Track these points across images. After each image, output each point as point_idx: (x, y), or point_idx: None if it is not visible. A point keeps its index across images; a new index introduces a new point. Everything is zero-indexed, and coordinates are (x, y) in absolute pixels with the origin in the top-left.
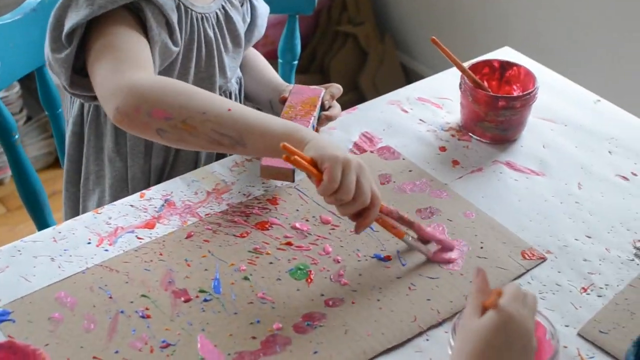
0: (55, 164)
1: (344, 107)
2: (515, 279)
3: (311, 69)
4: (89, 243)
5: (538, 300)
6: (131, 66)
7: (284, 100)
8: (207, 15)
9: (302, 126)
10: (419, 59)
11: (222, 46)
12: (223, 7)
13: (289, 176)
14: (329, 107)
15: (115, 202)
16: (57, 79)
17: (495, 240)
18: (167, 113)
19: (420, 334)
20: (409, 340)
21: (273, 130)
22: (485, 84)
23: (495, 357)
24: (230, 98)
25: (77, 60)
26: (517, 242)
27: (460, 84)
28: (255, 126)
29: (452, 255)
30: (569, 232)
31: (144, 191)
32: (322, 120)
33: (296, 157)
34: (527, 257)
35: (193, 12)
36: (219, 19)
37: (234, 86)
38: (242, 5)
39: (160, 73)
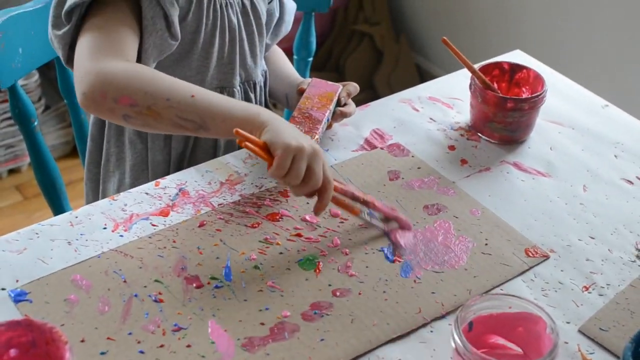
0: (73, 153)
1: (358, 105)
2: (519, 275)
3: (327, 67)
4: (105, 228)
5: (540, 297)
6: (107, 53)
7: (302, 92)
8: (231, 1)
9: (264, 110)
10: (433, 60)
11: (244, 34)
12: None
13: None
14: (345, 104)
15: (131, 190)
16: None
17: (500, 237)
18: (132, 100)
19: (424, 325)
20: (413, 331)
21: (234, 114)
22: (495, 85)
23: None
24: (255, 89)
25: (75, 37)
26: (522, 240)
27: (470, 85)
28: (217, 111)
29: (407, 238)
30: (572, 232)
31: (159, 180)
32: (337, 115)
33: (247, 142)
34: (531, 255)
35: (217, 0)
36: (244, 7)
37: (259, 77)
38: (270, 1)
39: (179, 57)
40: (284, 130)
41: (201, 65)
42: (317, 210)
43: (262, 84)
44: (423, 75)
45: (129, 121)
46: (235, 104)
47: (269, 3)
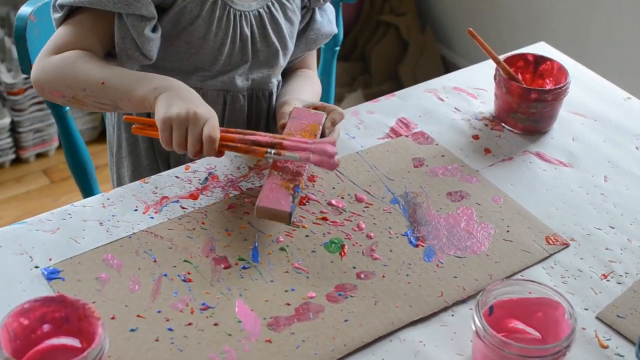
0: (100, 138)
1: (383, 95)
2: (539, 262)
3: (352, 57)
4: (136, 210)
5: (560, 284)
6: (56, 52)
7: (283, 127)
8: (246, 13)
9: (161, 82)
10: (458, 52)
11: (259, 44)
12: (267, 7)
13: (284, 218)
14: (329, 133)
15: (161, 173)
16: None
17: (521, 225)
18: (60, 92)
19: (445, 309)
20: (435, 314)
21: (135, 95)
22: (519, 76)
23: None
24: (267, 97)
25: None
26: (542, 228)
27: (494, 76)
28: (122, 94)
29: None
30: (593, 221)
31: (189, 164)
32: None
33: (136, 128)
34: (551, 243)
35: (231, 9)
36: (261, 18)
37: (275, 86)
38: (302, 9)
39: (185, 56)
40: (170, 101)
41: (205, 68)
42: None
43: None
44: (448, 67)
45: (70, 106)
46: (136, 82)
47: (302, 9)
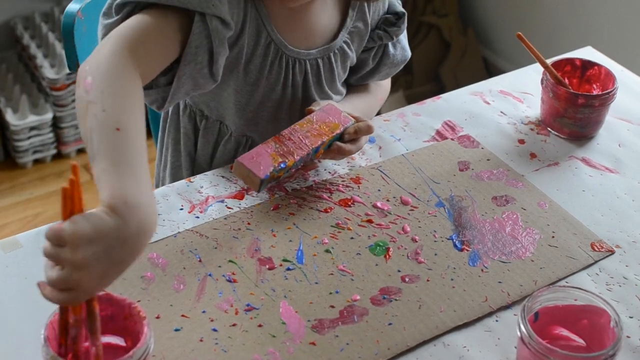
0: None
1: (424, 97)
2: (584, 269)
3: None
4: (181, 209)
5: (605, 291)
6: (124, 46)
7: (309, 113)
8: (301, 60)
9: (125, 201)
10: (500, 54)
11: (312, 92)
12: (328, 58)
13: (255, 184)
14: (349, 140)
15: (207, 172)
16: None
17: (567, 231)
18: (87, 86)
19: (490, 314)
20: (479, 319)
21: (100, 184)
22: (567, 81)
23: None
24: None
25: None
26: (588, 234)
27: (542, 80)
28: (99, 159)
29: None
30: (638, 228)
31: (233, 164)
32: (334, 151)
33: (66, 191)
34: (597, 249)
35: (284, 55)
36: (318, 66)
37: None
38: (372, 49)
39: (238, 107)
40: (103, 241)
41: (256, 116)
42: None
43: None
44: (489, 68)
45: (77, 106)
46: (125, 180)
47: (364, 51)
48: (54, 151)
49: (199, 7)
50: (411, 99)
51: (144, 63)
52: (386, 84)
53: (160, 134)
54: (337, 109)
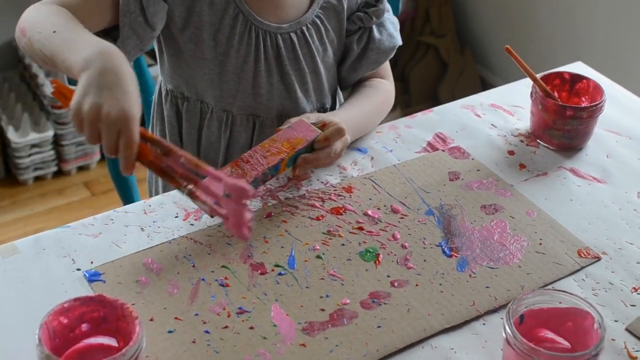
0: None
1: (422, 111)
2: (570, 274)
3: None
4: (176, 217)
5: (590, 296)
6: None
7: (277, 131)
8: (272, 33)
9: (89, 52)
10: (497, 73)
11: (288, 67)
12: (301, 31)
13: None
14: (319, 148)
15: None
16: None
17: (554, 238)
18: (24, 31)
19: (477, 317)
20: (466, 322)
21: (66, 59)
22: (556, 94)
23: None
24: None
25: None
26: (575, 242)
27: (531, 93)
28: (60, 51)
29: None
30: (625, 236)
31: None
32: (300, 163)
33: (55, 91)
34: (583, 256)
35: (253, 27)
36: (292, 41)
37: (307, 111)
38: (358, 30)
39: (213, 76)
40: (88, 86)
41: (233, 88)
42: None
43: None
44: (486, 87)
45: (25, 51)
46: (73, 46)
47: (347, 36)
48: (54, 168)
49: None
50: None
51: (76, 13)
52: (389, 88)
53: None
54: (305, 123)
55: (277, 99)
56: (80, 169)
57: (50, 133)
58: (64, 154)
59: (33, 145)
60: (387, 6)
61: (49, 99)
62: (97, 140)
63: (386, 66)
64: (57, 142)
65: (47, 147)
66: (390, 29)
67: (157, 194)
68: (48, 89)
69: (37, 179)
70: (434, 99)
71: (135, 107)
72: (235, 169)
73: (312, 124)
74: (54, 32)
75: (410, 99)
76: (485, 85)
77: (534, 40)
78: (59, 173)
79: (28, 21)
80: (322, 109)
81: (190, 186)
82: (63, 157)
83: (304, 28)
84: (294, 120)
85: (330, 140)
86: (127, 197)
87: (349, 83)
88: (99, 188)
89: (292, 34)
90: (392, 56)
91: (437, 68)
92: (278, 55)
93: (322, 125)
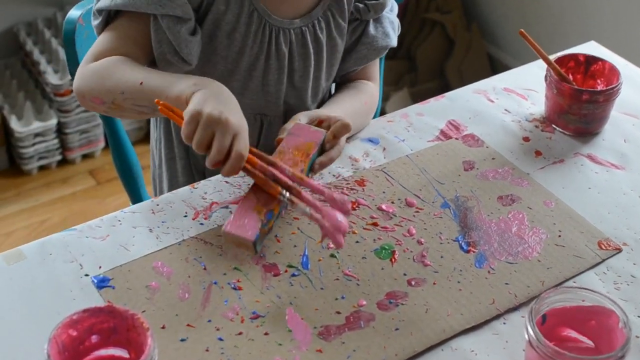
0: (145, 139)
1: (429, 94)
2: (591, 268)
3: (398, 55)
4: (185, 216)
5: (613, 290)
6: (93, 59)
7: (279, 142)
8: (285, 30)
9: (200, 82)
10: (505, 49)
11: (297, 63)
12: (312, 25)
13: (250, 247)
14: (330, 147)
15: (210, 178)
16: None
17: (573, 229)
18: (100, 99)
19: (497, 316)
20: (486, 322)
21: (172, 92)
22: (570, 77)
23: None
24: None
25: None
26: (595, 233)
27: (545, 77)
28: (160, 92)
29: (336, 226)
30: None
31: None
32: (315, 168)
33: (168, 111)
34: (604, 247)
35: (267, 24)
36: (303, 37)
37: (311, 108)
38: (354, 22)
39: (223, 74)
40: (205, 99)
41: (241, 86)
42: (222, 174)
43: None
44: (494, 64)
45: (109, 114)
46: (175, 81)
47: (351, 22)
48: (59, 157)
49: (148, 9)
50: (416, 96)
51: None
52: (374, 91)
53: (151, 130)
54: (304, 126)
55: (285, 96)
56: (85, 156)
57: (53, 121)
58: (68, 142)
59: (37, 135)
60: (393, 5)
61: (52, 86)
62: (207, 145)
63: (374, 67)
64: (60, 130)
65: (50, 135)
66: (387, 27)
67: (161, 193)
68: (50, 76)
69: (42, 168)
70: (440, 77)
71: (244, 119)
72: (260, 194)
73: (307, 124)
74: (141, 83)
75: (417, 78)
76: (492, 62)
77: (543, 16)
78: (64, 162)
79: (96, 89)
80: (320, 105)
81: (288, 194)
82: (67, 146)
83: (315, 22)
84: (289, 126)
85: (338, 137)
86: (133, 188)
87: (336, 75)
88: (104, 176)
89: (305, 28)
90: (382, 56)
91: (444, 45)
92: (289, 51)
93: (319, 123)
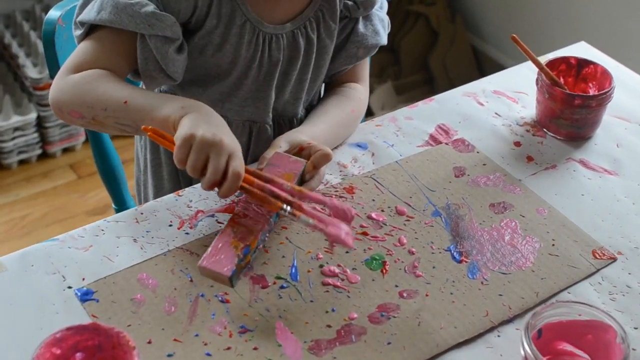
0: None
1: (414, 86)
2: (586, 278)
3: (382, 48)
4: (170, 225)
5: (608, 301)
6: (77, 71)
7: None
8: (278, 35)
9: (188, 104)
10: (489, 41)
11: (289, 67)
12: (304, 27)
13: (225, 282)
14: (310, 178)
15: (195, 185)
16: None
17: (567, 238)
18: (79, 113)
19: (491, 329)
20: (480, 335)
21: (159, 114)
22: (562, 80)
23: None
24: (292, 125)
25: None
26: (589, 241)
27: (537, 80)
28: (145, 113)
29: (341, 230)
30: None
31: None
32: None
33: (157, 137)
34: (598, 257)
35: (261, 33)
36: (295, 39)
37: (299, 113)
38: (342, 19)
39: (212, 81)
40: (197, 123)
41: (230, 93)
42: (219, 195)
43: (303, 118)
44: (478, 56)
45: (87, 127)
46: (159, 103)
47: (341, 20)
48: (39, 151)
49: (136, 28)
50: (400, 89)
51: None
52: (362, 95)
53: (135, 136)
54: (284, 156)
55: (274, 102)
56: (66, 150)
57: (33, 115)
58: (48, 136)
59: (16, 129)
60: (382, 3)
61: (31, 80)
62: (201, 168)
63: (364, 68)
64: (40, 124)
65: (30, 129)
66: (377, 25)
67: (146, 200)
68: (29, 70)
69: (22, 162)
70: (424, 70)
71: (236, 140)
72: (236, 227)
73: (286, 152)
74: (125, 102)
75: (401, 70)
76: (477, 54)
77: (529, 9)
78: (44, 155)
79: (76, 103)
80: (310, 107)
81: (289, 208)
82: (47, 140)
83: (307, 23)
84: (268, 155)
85: (318, 167)
86: (114, 186)
87: (326, 75)
88: (85, 170)
89: (296, 31)
90: (373, 54)
91: (428, 38)
92: (281, 57)
93: (300, 150)
